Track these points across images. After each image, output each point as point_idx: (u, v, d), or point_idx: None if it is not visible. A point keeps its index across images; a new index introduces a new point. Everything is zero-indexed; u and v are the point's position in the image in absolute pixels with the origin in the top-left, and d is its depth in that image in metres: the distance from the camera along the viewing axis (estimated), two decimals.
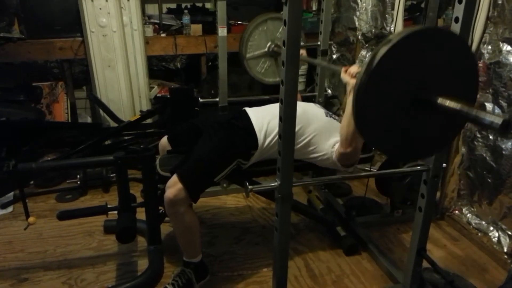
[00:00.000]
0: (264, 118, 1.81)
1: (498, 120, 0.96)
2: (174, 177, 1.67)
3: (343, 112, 1.85)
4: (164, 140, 2.07)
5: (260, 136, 1.77)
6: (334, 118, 1.89)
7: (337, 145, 1.73)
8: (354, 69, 1.66)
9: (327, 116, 1.87)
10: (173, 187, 1.65)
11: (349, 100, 1.62)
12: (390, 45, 1.07)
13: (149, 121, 3.02)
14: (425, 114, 1.17)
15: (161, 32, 3.33)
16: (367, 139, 1.20)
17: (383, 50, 1.07)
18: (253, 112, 1.87)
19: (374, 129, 1.17)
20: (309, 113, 1.84)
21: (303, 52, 2.24)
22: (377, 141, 1.22)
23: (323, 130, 1.80)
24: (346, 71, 1.69)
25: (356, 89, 1.10)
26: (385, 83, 1.11)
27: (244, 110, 1.91)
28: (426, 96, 1.14)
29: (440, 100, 1.11)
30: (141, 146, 2.70)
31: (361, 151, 1.76)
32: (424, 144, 1.28)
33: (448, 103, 1.09)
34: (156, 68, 3.76)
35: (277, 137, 1.72)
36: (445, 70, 1.17)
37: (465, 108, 1.05)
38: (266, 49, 2.48)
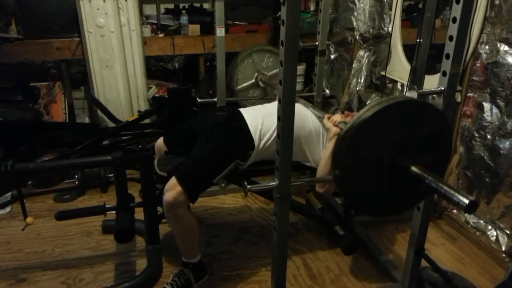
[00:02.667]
0: (258, 118, 1.82)
1: (464, 201, 1.04)
2: (173, 180, 1.67)
3: (341, 112, 1.88)
4: (160, 141, 2.07)
5: (255, 136, 1.78)
6: (316, 115, 1.91)
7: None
8: (337, 117, 1.74)
9: (314, 115, 1.91)
10: (172, 190, 1.65)
11: (329, 145, 1.71)
12: (380, 107, 1.17)
13: (147, 121, 3.02)
14: (401, 177, 1.26)
15: (159, 32, 3.33)
16: (341, 192, 1.32)
17: (367, 114, 1.17)
18: (247, 113, 1.88)
19: (351, 185, 1.27)
20: (302, 113, 1.86)
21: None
22: (352, 196, 1.32)
23: (312, 132, 1.84)
24: (329, 118, 1.76)
25: (337, 145, 1.21)
26: (368, 141, 1.21)
27: (239, 111, 1.92)
28: (403, 163, 1.24)
29: (414, 169, 1.21)
30: (139, 146, 2.70)
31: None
32: (396, 203, 1.38)
33: (421, 174, 1.19)
34: (154, 68, 3.76)
35: (273, 137, 1.75)
36: (423, 139, 1.27)
37: (436, 183, 1.14)
38: (253, 80, 2.54)
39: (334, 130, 1.69)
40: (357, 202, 1.35)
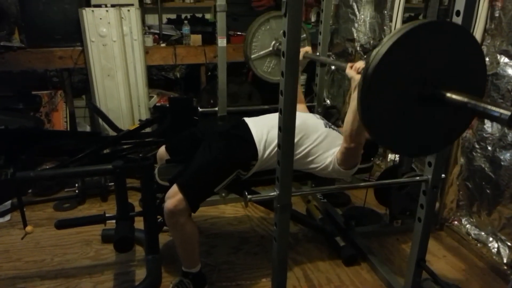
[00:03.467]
0: (263, 129, 1.80)
1: (506, 113, 0.96)
2: (174, 188, 1.67)
3: (342, 122, 1.86)
4: (162, 149, 2.07)
5: (260, 147, 1.76)
6: (334, 129, 1.89)
7: (336, 153, 1.73)
8: (359, 64, 1.66)
9: (326, 126, 1.87)
10: (173, 197, 1.64)
11: (354, 96, 1.60)
12: (398, 36, 1.05)
13: (148, 130, 3.03)
14: (432, 109, 1.15)
15: (161, 42, 3.36)
16: (372, 133, 1.17)
17: (390, 41, 1.05)
18: (252, 123, 1.86)
19: (380, 124, 1.14)
20: (308, 123, 1.83)
21: (308, 49, 2.22)
22: (382, 136, 1.19)
23: (323, 141, 1.79)
24: (351, 66, 1.69)
25: (362, 80, 1.08)
26: (391, 76, 1.09)
27: (243, 120, 1.90)
28: (434, 91, 1.12)
29: (448, 95, 1.09)
30: (140, 155, 2.70)
31: (360, 161, 1.76)
32: (430, 139, 1.26)
33: (456, 97, 1.08)
34: (156, 77, 3.78)
35: (276, 147, 1.73)
36: (452, 63, 1.15)
37: (473, 101, 1.04)
38: (271, 48, 2.45)
39: (357, 77, 1.61)
40: (389, 143, 1.23)
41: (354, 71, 1.66)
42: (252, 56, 2.44)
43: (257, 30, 2.40)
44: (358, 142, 1.64)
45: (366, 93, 1.08)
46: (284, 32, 1.20)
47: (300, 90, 2.39)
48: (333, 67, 3.39)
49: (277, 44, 2.43)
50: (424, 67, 1.12)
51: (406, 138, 1.21)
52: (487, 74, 1.29)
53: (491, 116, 1.00)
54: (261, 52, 2.46)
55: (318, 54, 2.48)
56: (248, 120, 1.89)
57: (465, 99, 1.06)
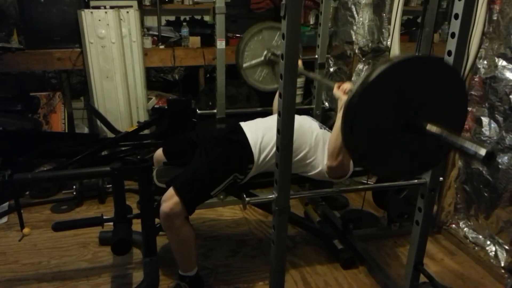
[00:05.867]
0: (258, 132, 1.81)
1: (482, 151, 0.99)
2: (170, 191, 1.67)
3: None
4: (159, 152, 2.06)
5: (255, 150, 1.77)
6: (329, 131, 1.89)
7: (325, 165, 1.77)
8: (347, 85, 1.68)
9: (321, 128, 1.88)
10: (169, 200, 1.64)
11: (339, 115, 1.63)
12: (387, 65, 1.09)
13: (146, 132, 3.02)
14: (413, 137, 1.20)
15: (160, 44, 3.35)
16: (354, 156, 1.23)
17: (379, 69, 1.09)
18: (247, 127, 1.87)
19: (361, 148, 1.19)
20: (304, 126, 1.84)
21: (299, 63, 2.25)
22: (364, 160, 1.24)
23: (318, 143, 1.80)
24: (339, 87, 1.70)
25: (347, 104, 1.12)
26: (377, 102, 1.14)
27: (239, 124, 1.91)
28: (415, 122, 1.17)
29: (428, 127, 1.14)
30: (138, 157, 2.69)
31: (351, 169, 1.78)
32: (409, 165, 1.31)
33: (435, 130, 1.12)
34: (154, 79, 3.77)
35: (273, 151, 1.74)
36: (437, 97, 1.20)
37: (450, 137, 1.08)
38: (262, 58, 2.50)
39: (344, 98, 1.61)
40: (370, 167, 1.27)
41: (341, 91, 1.68)
42: (244, 65, 2.48)
43: (249, 40, 2.44)
44: (340, 161, 1.68)
45: (351, 118, 1.13)
46: (283, 35, 1.20)
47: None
48: (331, 69, 3.39)
49: (269, 54, 2.47)
50: (408, 97, 1.17)
51: (387, 163, 1.26)
52: (467, 109, 1.37)
53: (467, 154, 1.04)
54: (253, 62, 2.50)
55: (316, 56, 2.48)
56: (243, 125, 1.90)
57: (444, 133, 1.10)
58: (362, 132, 1.16)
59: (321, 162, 1.79)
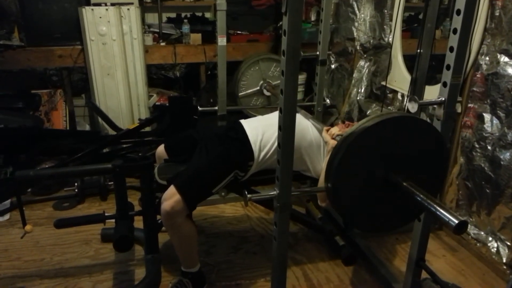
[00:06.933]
0: (258, 130, 1.82)
1: (454, 220, 1.03)
2: (171, 189, 1.67)
3: (341, 122, 1.88)
4: (161, 148, 2.07)
5: (255, 147, 1.78)
6: (316, 127, 1.90)
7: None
8: (335, 130, 1.73)
9: (313, 126, 1.90)
10: (170, 199, 1.64)
11: (327, 158, 1.69)
12: (370, 124, 1.17)
13: (147, 129, 3.03)
14: (393, 192, 1.25)
15: (161, 41, 3.35)
16: (335, 205, 1.29)
17: (363, 126, 1.17)
18: (247, 124, 1.88)
19: (344, 199, 1.26)
20: (302, 124, 1.86)
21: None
22: (344, 210, 1.31)
23: (313, 141, 1.83)
24: (327, 130, 1.76)
25: (330, 159, 1.20)
26: (358, 159, 1.21)
27: (239, 122, 1.92)
28: (395, 179, 1.23)
29: (405, 184, 1.20)
30: (140, 154, 2.70)
31: None
32: (389, 219, 1.36)
33: (413, 190, 1.17)
34: (155, 76, 3.77)
35: (273, 148, 1.75)
36: (417, 154, 1.26)
37: (427, 200, 1.13)
38: (258, 87, 2.55)
39: (332, 143, 1.69)
40: (349, 217, 1.34)
41: (329, 135, 1.73)
42: (240, 94, 2.53)
43: (246, 70, 2.47)
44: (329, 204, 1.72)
45: (335, 171, 1.21)
46: (284, 31, 1.20)
47: None
48: (333, 66, 3.39)
49: (264, 84, 2.53)
50: (390, 154, 1.24)
51: (366, 215, 1.32)
52: (448, 168, 1.46)
53: (440, 219, 1.08)
54: (249, 91, 2.54)
55: (318, 53, 2.47)
56: (244, 122, 1.91)
57: (420, 196, 1.15)
58: (344, 186, 1.24)
59: (318, 162, 1.83)
